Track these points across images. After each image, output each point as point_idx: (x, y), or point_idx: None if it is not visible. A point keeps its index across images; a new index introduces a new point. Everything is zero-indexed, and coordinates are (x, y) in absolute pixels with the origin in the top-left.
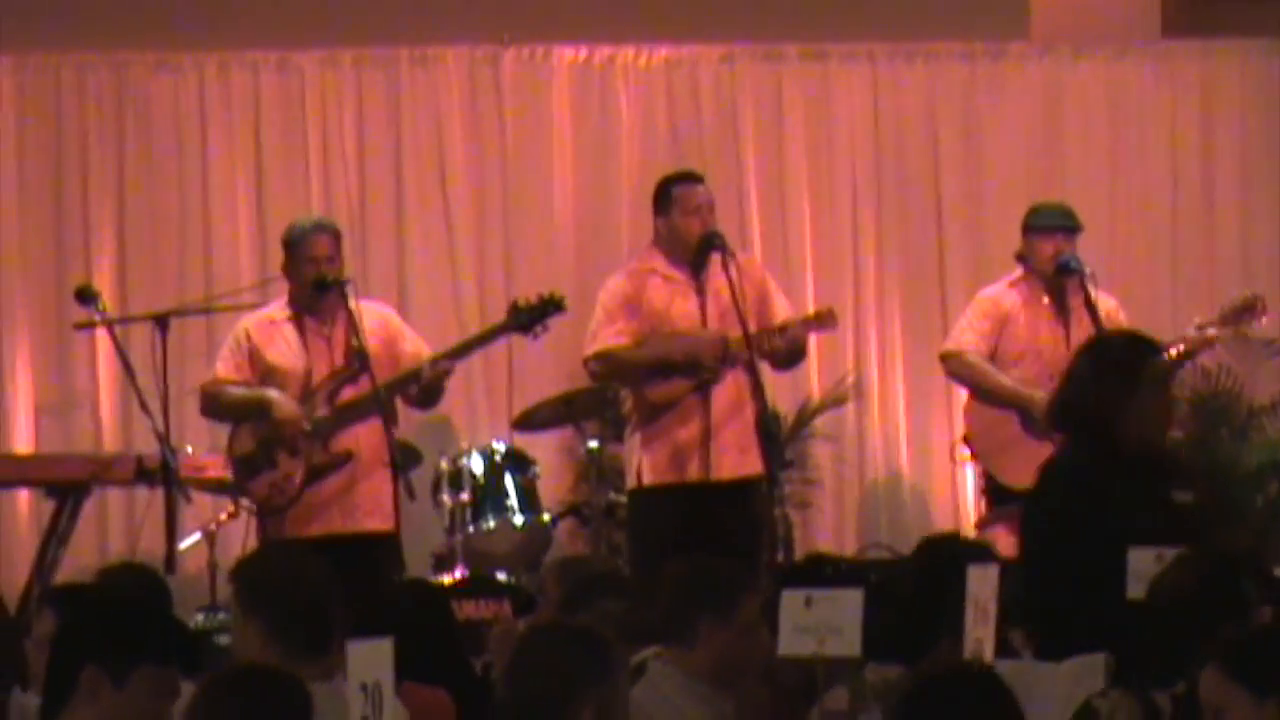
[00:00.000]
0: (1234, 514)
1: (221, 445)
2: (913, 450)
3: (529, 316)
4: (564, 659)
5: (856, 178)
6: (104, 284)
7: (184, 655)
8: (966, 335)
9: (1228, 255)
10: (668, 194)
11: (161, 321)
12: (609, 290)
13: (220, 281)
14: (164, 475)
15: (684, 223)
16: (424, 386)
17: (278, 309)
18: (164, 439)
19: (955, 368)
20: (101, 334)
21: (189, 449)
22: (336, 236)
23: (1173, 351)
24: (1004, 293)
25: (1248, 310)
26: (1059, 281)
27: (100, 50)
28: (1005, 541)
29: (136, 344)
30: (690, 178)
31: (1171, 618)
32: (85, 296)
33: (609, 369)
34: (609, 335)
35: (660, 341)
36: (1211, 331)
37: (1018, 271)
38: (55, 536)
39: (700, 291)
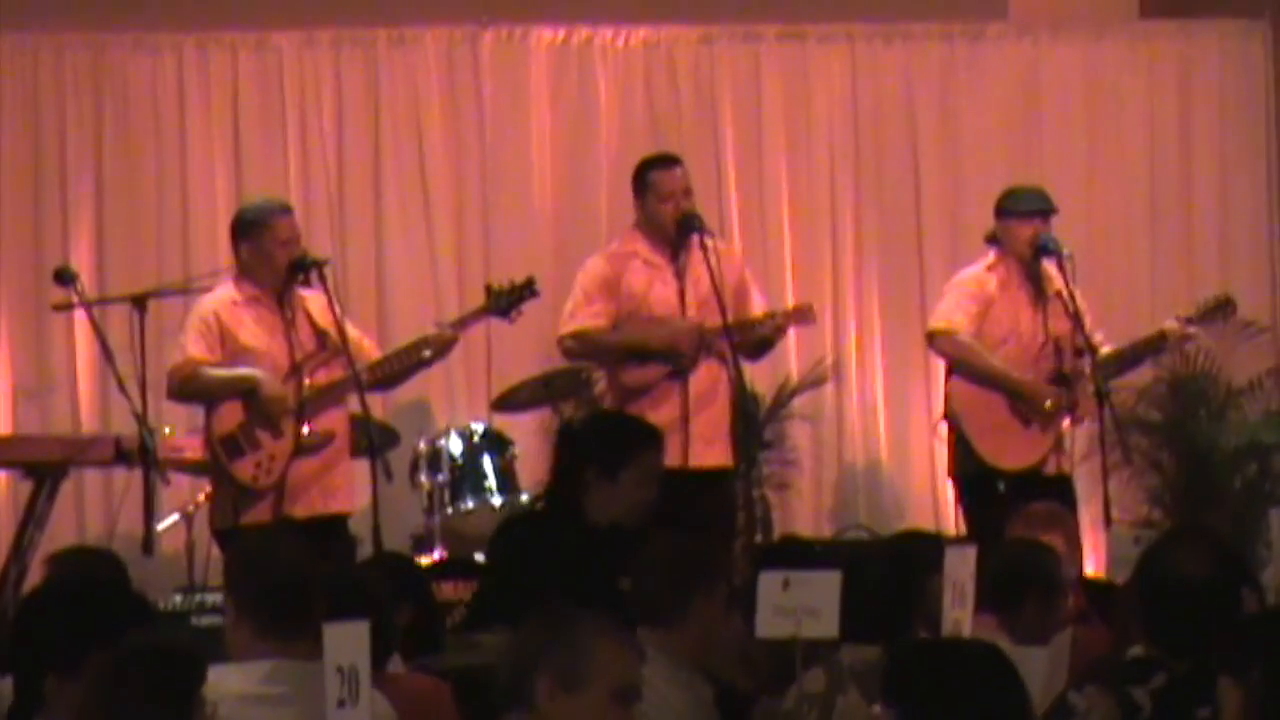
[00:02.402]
0: (1211, 496)
1: (201, 426)
2: (891, 431)
3: (506, 301)
4: (525, 637)
5: (835, 159)
6: (82, 265)
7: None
8: (957, 315)
9: (1205, 236)
10: (644, 178)
11: (139, 302)
12: (588, 271)
13: (198, 263)
14: (142, 456)
15: (659, 208)
16: (429, 359)
17: (234, 291)
18: (142, 420)
19: (946, 346)
20: (79, 315)
21: (167, 430)
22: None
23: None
24: (984, 276)
25: (1220, 310)
26: (1035, 265)
27: (78, 30)
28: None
29: (114, 325)
30: (666, 161)
31: (1188, 601)
32: (63, 277)
33: (584, 349)
34: (586, 316)
35: (638, 326)
36: (1190, 329)
37: (992, 254)
38: (33, 518)
39: (679, 277)
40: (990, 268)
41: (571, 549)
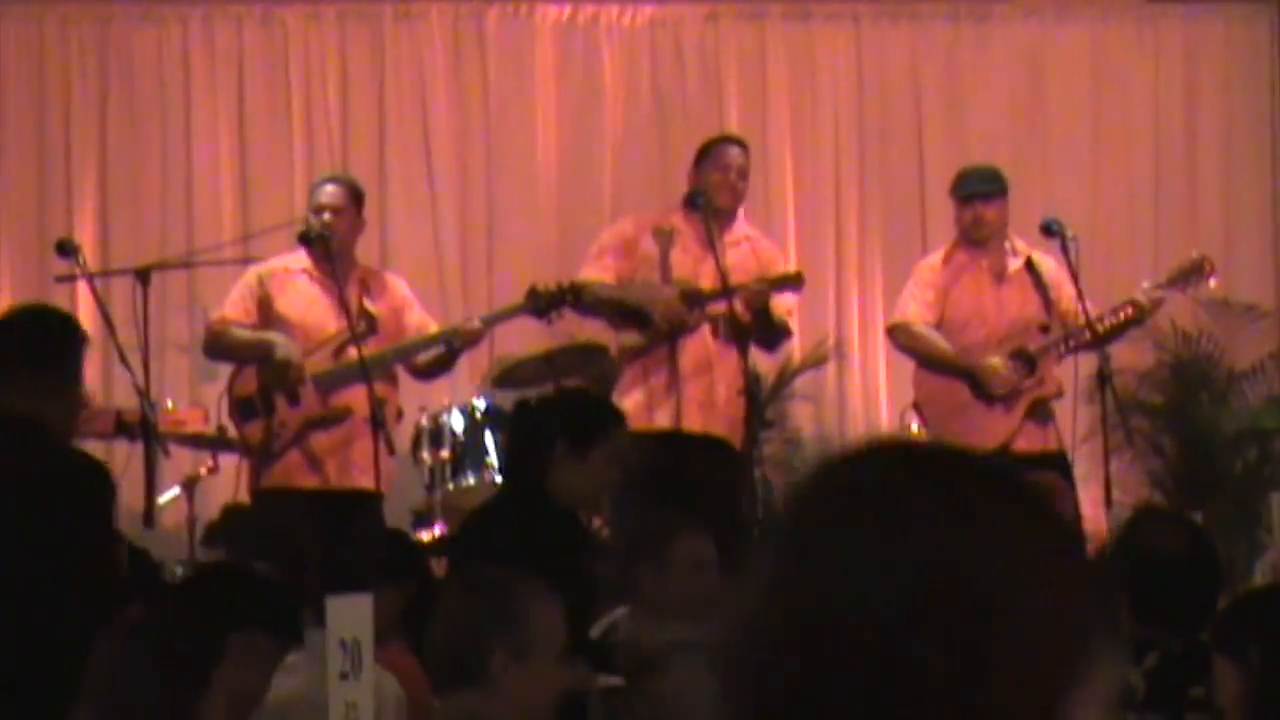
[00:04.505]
0: (1213, 480)
1: (202, 400)
2: (892, 411)
3: (546, 303)
4: (468, 609)
5: (839, 138)
6: (85, 237)
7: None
8: (910, 305)
9: (1209, 218)
10: (706, 151)
11: (143, 275)
12: (610, 228)
13: (202, 235)
14: (143, 429)
15: (709, 175)
16: (458, 350)
17: (294, 259)
18: (144, 393)
19: (902, 339)
20: (82, 287)
21: (169, 403)
22: (349, 191)
23: (1120, 315)
24: (938, 260)
25: (1196, 272)
26: (996, 244)
27: (84, 2)
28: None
29: (117, 297)
30: (731, 139)
31: (1178, 577)
32: (66, 249)
33: (578, 300)
34: (592, 270)
35: (626, 287)
36: (1160, 293)
37: (953, 238)
38: None
39: (699, 246)
40: (947, 252)
41: (539, 540)
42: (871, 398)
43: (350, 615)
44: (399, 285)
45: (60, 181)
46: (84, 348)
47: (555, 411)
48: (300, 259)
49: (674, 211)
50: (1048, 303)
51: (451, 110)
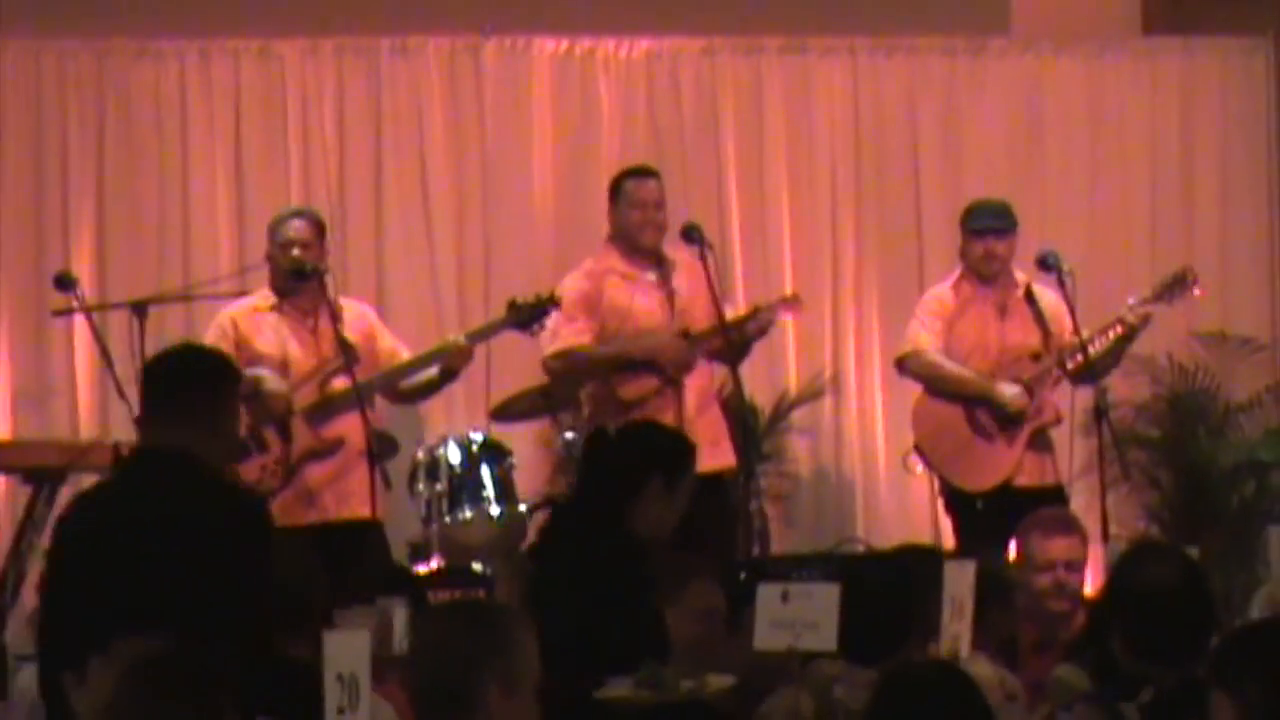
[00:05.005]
0: (1210, 513)
1: None
2: (889, 444)
3: (528, 314)
4: (459, 638)
5: (836, 171)
6: (83, 271)
7: None
8: (922, 335)
9: (1205, 252)
10: (619, 187)
11: (140, 309)
12: (567, 289)
13: (199, 269)
14: None
15: (627, 215)
16: (446, 369)
17: (261, 298)
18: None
19: (915, 367)
20: (80, 321)
21: None
22: (316, 224)
23: (1109, 334)
24: (947, 292)
25: (1179, 283)
26: (1003, 278)
27: (81, 37)
28: (1062, 544)
29: (115, 331)
30: (641, 172)
31: (1170, 611)
32: (63, 283)
33: (568, 366)
34: (569, 333)
35: (621, 340)
36: (1145, 309)
37: (958, 270)
38: (31, 523)
39: (659, 286)
40: (955, 283)
41: (637, 574)
42: (868, 430)
43: (348, 650)
44: (365, 312)
45: (57, 215)
46: (237, 385)
47: (651, 446)
48: (267, 297)
49: (609, 254)
50: (1047, 335)
51: (448, 143)
